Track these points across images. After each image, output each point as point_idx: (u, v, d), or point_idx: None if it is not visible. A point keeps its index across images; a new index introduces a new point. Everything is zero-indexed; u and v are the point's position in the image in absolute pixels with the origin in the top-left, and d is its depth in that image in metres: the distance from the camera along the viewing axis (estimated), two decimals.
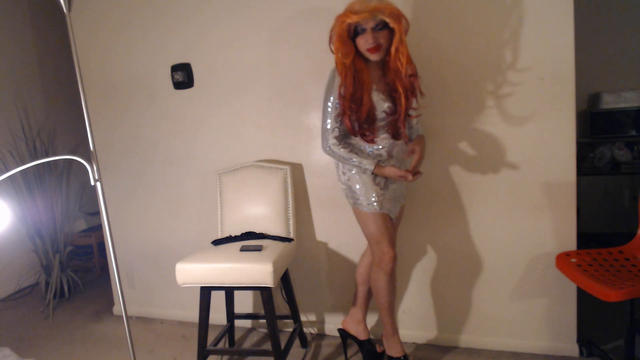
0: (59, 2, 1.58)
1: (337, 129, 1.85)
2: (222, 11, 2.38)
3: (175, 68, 2.51)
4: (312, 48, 2.25)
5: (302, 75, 2.30)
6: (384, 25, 1.66)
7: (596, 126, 3.46)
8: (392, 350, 2.00)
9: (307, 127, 2.34)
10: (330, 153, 1.87)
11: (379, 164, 1.82)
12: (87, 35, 2.67)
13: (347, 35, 1.71)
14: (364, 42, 1.70)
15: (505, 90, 2.00)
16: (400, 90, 1.75)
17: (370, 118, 1.78)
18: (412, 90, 1.77)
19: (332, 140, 1.84)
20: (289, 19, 2.28)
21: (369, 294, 2.08)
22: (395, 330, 2.00)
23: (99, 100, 2.73)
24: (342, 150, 1.84)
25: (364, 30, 1.68)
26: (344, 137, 1.87)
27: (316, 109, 2.31)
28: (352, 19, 1.65)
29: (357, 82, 1.74)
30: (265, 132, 2.42)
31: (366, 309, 2.13)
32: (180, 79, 2.50)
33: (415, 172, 1.77)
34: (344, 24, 1.68)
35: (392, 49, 1.70)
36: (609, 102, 3.42)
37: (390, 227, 1.89)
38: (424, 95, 1.85)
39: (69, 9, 1.62)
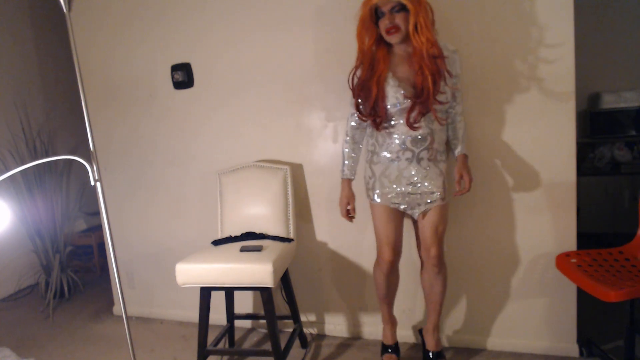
0: (59, 2, 1.58)
1: (355, 121, 1.97)
2: (223, 12, 2.38)
3: (175, 68, 2.51)
4: (312, 48, 2.25)
5: (302, 75, 2.30)
6: (402, 8, 1.69)
7: (596, 126, 3.45)
8: (385, 337, 2.12)
9: (307, 127, 2.34)
10: (344, 140, 2.01)
11: (349, 182, 2.00)
12: (87, 35, 2.67)
13: (370, 20, 1.76)
14: (383, 25, 1.74)
15: (505, 90, 2.00)
16: (427, 72, 1.70)
17: (379, 106, 1.79)
18: (438, 73, 1.72)
19: (346, 135, 1.99)
20: (288, 20, 2.27)
21: (429, 302, 2.02)
22: (387, 321, 2.10)
23: (99, 100, 2.73)
24: (347, 145, 1.99)
25: (383, 14, 1.73)
26: (364, 129, 1.98)
27: (316, 109, 2.31)
28: (373, 1, 1.72)
29: (371, 69, 1.79)
30: (265, 132, 2.42)
31: (429, 316, 2.04)
32: (180, 79, 2.50)
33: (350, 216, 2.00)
34: (366, 7, 1.74)
35: (410, 28, 1.69)
36: (609, 102, 3.42)
37: (394, 227, 1.92)
38: (452, 75, 1.79)
39: (69, 9, 1.62)
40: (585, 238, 2.49)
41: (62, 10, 1.59)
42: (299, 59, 2.29)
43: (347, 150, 1.99)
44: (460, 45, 2.02)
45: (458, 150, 1.90)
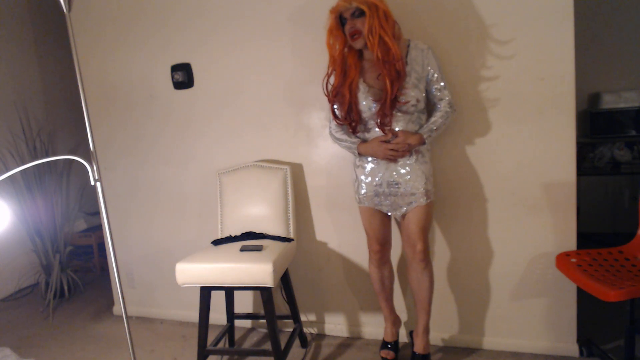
0: (59, 2, 1.58)
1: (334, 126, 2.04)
2: (223, 15, 2.38)
3: (175, 68, 2.51)
4: (311, 48, 2.25)
5: (302, 75, 2.30)
6: (361, 12, 1.74)
7: (596, 126, 3.45)
8: (385, 334, 2.17)
9: (307, 127, 2.34)
10: (331, 136, 2.05)
11: (364, 142, 1.92)
12: (87, 34, 2.67)
13: (337, 27, 1.83)
14: (347, 31, 1.80)
15: (506, 90, 2.00)
16: (385, 75, 1.76)
17: (353, 111, 1.87)
18: (396, 77, 1.76)
19: (332, 124, 2.01)
20: (288, 20, 2.28)
21: (418, 300, 2.01)
22: (387, 318, 2.15)
23: (99, 100, 2.73)
24: (338, 133, 2.00)
25: (346, 20, 1.79)
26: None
27: (316, 109, 2.31)
28: (335, 10, 1.79)
29: (344, 75, 1.86)
30: (265, 132, 2.42)
31: (418, 316, 2.04)
32: (180, 79, 2.50)
33: (394, 134, 1.82)
34: (332, 16, 1.81)
35: (365, 32, 1.74)
36: (609, 102, 3.42)
37: (378, 223, 2.00)
38: (406, 74, 1.79)
39: (69, 9, 1.62)
40: (585, 238, 2.49)
41: (62, 10, 1.59)
42: (299, 59, 2.29)
43: (339, 134, 1.99)
44: (460, 45, 2.02)
45: (419, 130, 1.87)
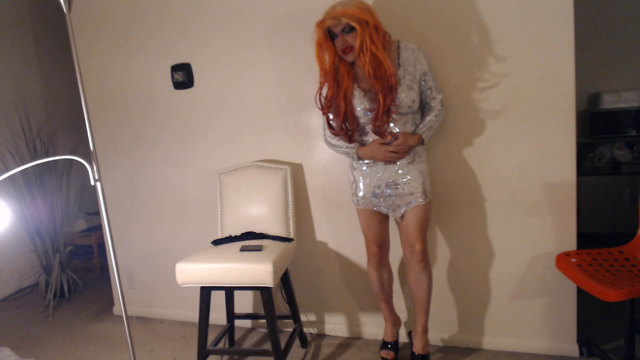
0: (59, 3, 1.58)
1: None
2: (223, 13, 2.38)
3: (175, 68, 2.51)
4: (311, 48, 2.23)
5: (301, 75, 2.30)
6: (351, 28, 1.72)
7: (596, 126, 3.45)
8: (385, 335, 2.17)
9: (307, 127, 2.34)
10: (326, 143, 2.02)
11: (362, 145, 1.90)
12: (87, 34, 2.67)
13: (326, 40, 1.80)
14: (338, 46, 1.79)
15: (506, 91, 2.00)
16: (377, 87, 1.76)
17: (349, 119, 1.86)
18: (388, 89, 1.75)
19: (327, 132, 1.97)
20: (288, 20, 2.28)
21: (416, 300, 2.02)
22: (387, 318, 2.16)
23: (99, 100, 2.73)
24: (334, 139, 1.96)
25: (336, 35, 1.77)
26: None
27: (316, 109, 2.29)
28: (323, 25, 1.76)
29: (337, 85, 1.84)
30: (265, 132, 2.42)
31: (417, 317, 2.04)
32: (180, 79, 2.50)
33: (394, 135, 1.81)
34: (320, 30, 1.78)
35: (357, 48, 1.72)
36: (609, 102, 3.42)
37: (376, 225, 1.99)
38: (397, 87, 1.79)
39: (69, 9, 1.62)
40: (585, 238, 2.48)
41: (62, 10, 1.59)
42: (299, 59, 2.29)
43: (334, 141, 1.96)
44: (458, 45, 2.02)
45: (416, 130, 1.87)
